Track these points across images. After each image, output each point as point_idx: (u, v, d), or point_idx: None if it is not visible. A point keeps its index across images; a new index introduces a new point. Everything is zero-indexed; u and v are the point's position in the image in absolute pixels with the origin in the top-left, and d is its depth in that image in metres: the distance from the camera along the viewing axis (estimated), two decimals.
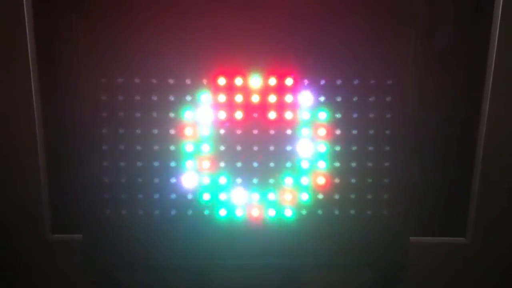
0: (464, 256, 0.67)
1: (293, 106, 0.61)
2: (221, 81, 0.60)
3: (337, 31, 0.60)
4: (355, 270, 0.67)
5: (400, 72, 0.60)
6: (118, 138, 0.61)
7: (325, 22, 0.60)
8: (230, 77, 0.60)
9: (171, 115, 0.60)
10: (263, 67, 0.60)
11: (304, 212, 0.63)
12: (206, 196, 0.63)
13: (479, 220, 0.65)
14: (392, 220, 0.64)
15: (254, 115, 0.61)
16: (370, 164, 0.62)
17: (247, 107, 0.60)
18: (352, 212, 0.63)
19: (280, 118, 0.61)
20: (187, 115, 0.61)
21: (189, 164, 0.62)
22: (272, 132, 0.61)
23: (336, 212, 0.63)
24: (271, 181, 0.62)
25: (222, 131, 0.61)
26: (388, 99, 0.60)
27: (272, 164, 0.62)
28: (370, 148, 0.62)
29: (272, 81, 0.60)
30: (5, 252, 0.65)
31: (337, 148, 0.62)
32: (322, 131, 0.61)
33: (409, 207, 0.63)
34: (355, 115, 0.61)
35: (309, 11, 0.60)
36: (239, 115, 0.61)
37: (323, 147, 0.62)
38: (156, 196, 0.62)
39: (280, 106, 0.60)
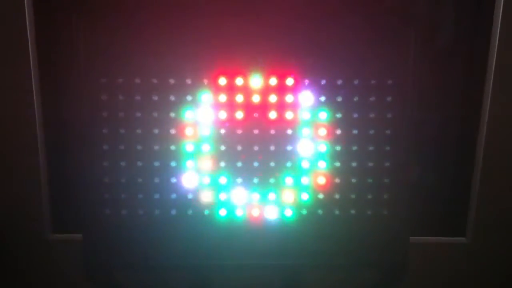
0: (464, 256, 0.67)
1: (294, 106, 0.61)
2: (222, 81, 0.60)
3: (337, 31, 0.60)
4: (355, 270, 0.67)
5: (400, 72, 0.60)
6: (119, 138, 0.61)
7: (326, 22, 0.60)
8: (231, 77, 0.60)
9: (172, 115, 0.60)
10: (264, 67, 0.60)
11: (304, 212, 0.63)
12: (207, 196, 0.62)
13: (479, 220, 0.65)
14: (392, 220, 0.64)
15: (254, 115, 0.61)
16: (370, 164, 0.62)
17: (248, 107, 0.60)
18: (353, 212, 0.63)
19: (281, 118, 0.61)
20: (188, 115, 0.61)
21: (189, 164, 0.62)
22: (272, 132, 0.61)
23: (337, 212, 0.63)
24: (272, 181, 0.62)
25: (222, 131, 0.61)
26: (389, 99, 0.60)
27: (272, 164, 0.62)
28: (371, 148, 0.62)
29: (273, 81, 0.60)
30: (5, 251, 0.65)
31: (338, 148, 0.62)
32: (323, 131, 0.61)
33: (409, 207, 0.63)
34: (355, 115, 0.61)
35: (310, 11, 0.60)
36: (239, 115, 0.61)
37: (323, 147, 0.62)
38: (157, 196, 0.62)
39: (281, 106, 0.60)
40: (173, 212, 0.63)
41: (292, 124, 0.61)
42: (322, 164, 0.62)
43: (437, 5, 0.62)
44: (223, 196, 0.63)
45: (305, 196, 0.63)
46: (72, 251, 0.65)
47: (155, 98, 0.60)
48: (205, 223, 0.63)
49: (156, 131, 0.61)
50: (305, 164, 0.62)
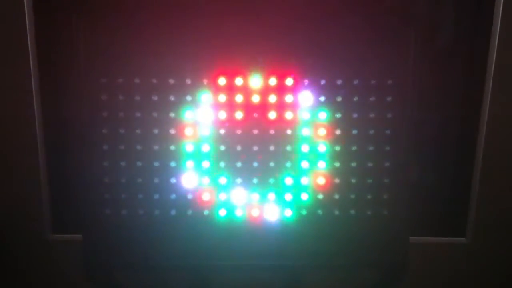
0: (464, 256, 0.67)
1: (293, 106, 0.61)
2: (222, 81, 0.60)
3: (337, 31, 0.60)
4: (355, 270, 0.67)
5: (400, 72, 0.60)
6: (118, 138, 0.61)
7: (326, 22, 0.60)
8: (231, 77, 0.60)
9: (171, 115, 0.60)
10: (264, 67, 0.60)
11: (304, 212, 0.63)
12: (206, 196, 0.63)
13: (479, 220, 0.65)
14: (392, 220, 0.63)
15: (254, 115, 0.61)
16: (370, 164, 0.62)
17: (247, 107, 0.60)
18: (352, 212, 0.63)
19: (280, 118, 0.61)
20: (187, 115, 0.61)
21: (189, 164, 0.62)
22: (272, 132, 0.61)
23: (336, 212, 0.63)
24: (271, 181, 0.62)
25: (222, 131, 0.61)
26: (389, 99, 0.60)
27: (272, 164, 0.62)
28: (370, 148, 0.62)
29: (272, 81, 0.60)
30: (6, 251, 0.65)
31: (337, 148, 0.62)
32: (322, 131, 0.61)
33: (409, 207, 0.63)
34: (355, 115, 0.61)
35: (310, 11, 0.60)
36: (239, 115, 0.61)
37: (323, 147, 0.62)
38: (156, 196, 0.62)
39: (280, 106, 0.60)
40: (173, 212, 0.63)
41: (291, 124, 0.61)
42: (322, 164, 0.62)
43: (437, 5, 0.62)
44: (222, 196, 0.63)
45: (304, 196, 0.63)
46: (72, 251, 0.65)
47: (155, 98, 0.60)
48: (205, 223, 0.63)
49: (156, 131, 0.61)
50: (304, 164, 0.62)
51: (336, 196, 0.63)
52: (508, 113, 0.62)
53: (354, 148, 0.62)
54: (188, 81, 0.60)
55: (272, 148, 0.62)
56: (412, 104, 0.61)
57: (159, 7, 0.60)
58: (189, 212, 0.63)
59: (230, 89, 0.60)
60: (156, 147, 0.61)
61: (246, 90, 0.60)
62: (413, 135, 0.62)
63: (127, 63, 0.59)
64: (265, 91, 0.60)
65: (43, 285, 0.67)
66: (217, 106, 0.60)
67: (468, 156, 0.64)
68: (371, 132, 0.61)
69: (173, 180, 0.62)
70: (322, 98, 0.60)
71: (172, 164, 0.62)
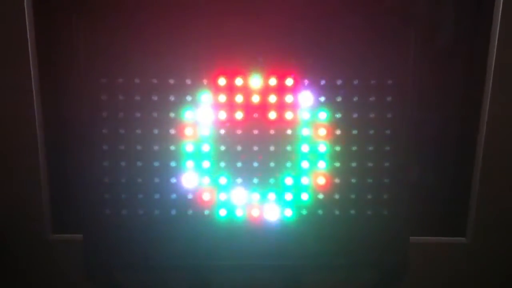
0: (464, 256, 0.67)
1: (293, 106, 0.61)
2: (222, 81, 0.60)
3: (337, 31, 0.60)
4: (355, 270, 0.67)
5: (400, 72, 0.60)
6: (118, 138, 0.61)
7: (326, 22, 0.60)
8: (231, 77, 0.60)
9: (172, 115, 0.60)
10: (263, 67, 0.60)
11: (304, 212, 0.63)
12: (207, 196, 0.63)
13: (479, 220, 0.65)
14: (392, 220, 0.63)
15: (254, 115, 0.61)
16: (370, 164, 0.62)
17: (248, 107, 0.60)
18: (352, 212, 0.63)
19: (281, 118, 0.61)
20: (188, 115, 0.61)
21: (189, 164, 0.62)
22: (272, 132, 0.61)
23: (336, 212, 0.63)
24: (272, 181, 0.62)
25: (222, 131, 0.61)
26: (388, 99, 0.60)
27: (272, 164, 0.62)
28: (370, 148, 0.62)
29: (272, 81, 0.60)
30: (6, 251, 0.65)
31: (337, 148, 0.62)
32: (323, 131, 0.61)
33: (409, 207, 0.63)
34: (355, 115, 0.61)
35: (310, 11, 0.60)
36: (239, 115, 0.61)
37: (323, 147, 0.62)
38: (156, 196, 0.62)
39: (280, 106, 0.60)
40: (173, 212, 0.63)
41: (291, 124, 0.61)
42: (322, 164, 0.62)
43: (437, 5, 0.62)
44: (223, 196, 0.63)
45: (305, 196, 0.63)
46: (72, 251, 0.65)
47: (155, 98, 0.60)
48: (205, 223, 0.63)
49: (156, 131, 0.61)
50: (305, 164, 0.62)
51: (336, 196, 0.63)
52: (508, 113, 0.62)
53: (354, 148, 0.62)
54: (188, 81, 0.60)
55: (272, 148, 0.62)
56: (412, 104, 0.61)
57: (159, 7, 0.60)
58: (190, 212, 0.63)
59: (230, 89, 0.60)
60: (156, 147, 0.61)
61: (246, 90, 0.60)
62: (413, 135, 0.62)
63: (127, 63, 0.59)
64: (265, 91, 0.60)
65: (44, 285, 0.67)
66: (217, 106, 0.60)
67: (468, 156, 0.64)
68: (371, 132, 0.61)
69: (173, 180, 0.62)
70: (322, 98, 0.60)
71: (172, 164, 0.62)
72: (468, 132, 0.64)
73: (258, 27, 0.59)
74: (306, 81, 0.60)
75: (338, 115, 0.61)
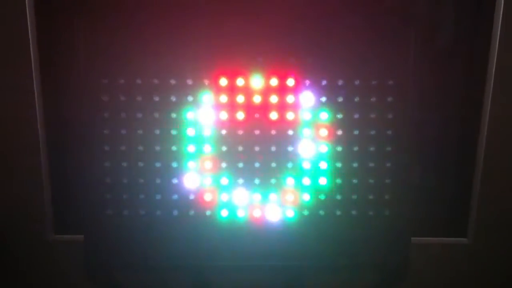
0: (465, 256, 0.67)
1: (295, 107, 0.61)
2: (223, 81, 0.60)
3: (338, 32, 0.60)
4: (357, 271, 0.67)
5: (401, 73, 0.60)
6: (120, 138, 0.61)
7: (327, 23, 0.60)
8: (232, 77, 0.60)
9: (173, 115, 0.61)
10: (265, 67, 0.60)
11: (306, 212, 0.63)
12: (208, 197, 0.63)
13: (481, 220, 0.65)
14: (393, 220, 0.63)
15: (255, 115, 0.61)
16: (371, 165, 0.62)
17: (249, 107, 0.61)
18: (354, 212, 0.63)
19: (282, 119, 0.61)
20: (189, 116, 0.61)
21: (191, 164, 0.62)
22: (273, 132, 0.61)
23: (338, 213, 0.63)
24: (273, 181, 0.62)
25: (223, 132, 0.61)
26: (390, 99, 0.60)
27: (273, 165, 0.62)
28: (372, 149, 0.62)
29: (274, 81, 0.60)
30: (7, 252, 0.65)
31: (339, 149, 0.62)
32: (324, 132, 0.61)
33: (411, 208, 0.63)
34: (356, 116, 0.61)
35: (310, 11, 0.60)
36: (240, 115, 0.61)
37: (324, 148, 0.62)
38: (158, 196, 0.62)
39: (282, 107, 0.61)
40: (175, 212, 0.63)
41: (293, 124, 0.61)
42: (323, 165, 0.62)
43: (437, 5, 0.62)
44: (224, 197, 0.63)
45: (306, 197, 0.63)
46: (73, 252, 0.65)
47: (156, 98, 0.60)
48: (207, 224, 0.63)
49: (157, 131, 0.61)
50: (306, 165, 0.62)
51: (338, 197, 0.63)
52: (509, 113, 0.62)
53: (355, 148, 0.62)
54: (190, 82, 0.60)
55: (273, 148, 0.62)
56: (413, 104, 0.61)
57: (159, 8, 0.60)
58: (191, 212, 0.63)
59: (232, 90, 0.60)
60: (157, 148, 0.61)
61: (247, 91, 0.60)
62: (414, 136, 0.62)
63: (128, 64, 0.59)
64: (266, 91, 0.60)
65: (44, 285, 0.67)
66: (219, 106, 0.61)
67: (469, 156, 0.64)
68: (372, 132, 0.61)
69: (174, 181, 0.62)
70: (323, 99, 0.60)
71: (174, 164, 0.62)
72: (469, 133, 0.64)
73: (258, 27, 0.59)
74: (307, 82, 0.60)
75: (340, 116, 0.61)
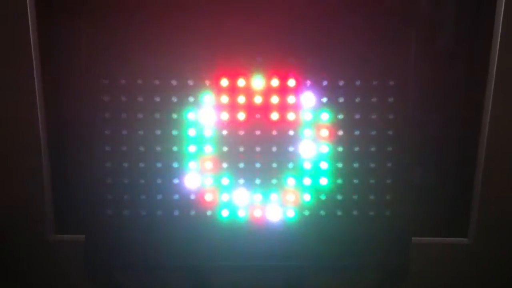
0: (466, 256, 0.67)
1: (296, 107, 0.61)
2: (224, 82, 0.60)
3: (339, 32, 0.60)
4: (357, 271, 0.67)
5: (402, 73, 0.60)
6: (121, 139, 0.61)
7: (327, 23, 0.60)
8: (233, 78, 0.60)
9: (174, 116, 0.61)
10: (266, 68, 0.60)
11: (306, 213, 0.63)
12: (209, 197, 0.63)
13: (482, 220, 0.65)
14: (394, 221, 0.64)
15: (256, 116, 0.61)
16: (372, 165, 0.62)
17: (250, 108, 0.61)
18: (355, 213, 0.63)
19: (283, 119, 0.61)
20: (190, 116, 0.61)
21: (191, 165, 0.62)
22: (274, 133, 0.61)
23: (339, 213, 0.63)
24: (274, 182, 0.63)
25: (224, 132, 0.61)
26: (390, 100, 0.60)
27: (274, 165, 0.62)
28: (373, 149, 0.62)
29: (275, 82, 0.60)
30: (8, 252, 0.65)
31: (340, 149, 0.62)
32: (325, 132, 0.61)
33: (412, 208, 0.63)
34: (357, 116, 0.61)
35: (310, 11, 0.60)
36: (241, 116, 0.61)
37: (325, 148, 0.62)
38: (159, 197, 0.62)
39: (283, 107, 0.61)
40: (176, 213, 0.63)
41: (294, 125, 0.61)
42: (324, 165, 0.62)
43: (438, 5, 0.62)
44: (225, 197, 0.63)
45: (307, 197, 0.63)
46: (74, 252, 0.65)
47: (157, 99, 0.60)
48: (207, 224, 0.63)
49: (158, 132, 0.61)
50: (307, 165, 0.62)
51: (339, 197, 0.63)
52: (510, 113, 0.62)
53: (356, 149, 0.62)
54: (191, 82, 0.60)
55: (274, 149, 0.62)
56: (414, 104, 0.61)
57: (160, 8, 0.60)
58: (192, 212, 0.63)
59: (232, 90, 0.60)
60: (158, 148, 0.61)
61: (248, 91, 0.60)
62: (415, 136, 0.62)
63: (129, 64, 0.60)
64: (267, 92, 0.60)
65: (45, 285, 0.67)
66: (220, 107, 0.61)
67: (470, 156, 0.64)
68: (373, 133, 0.61)
69: (175, 181, 0.62)
70: (324, 99, 0.61)
71: (175, 165, 0.62)
72: (470, 133, 0.64)
73: (259, 27, 0.59)
74: (308, 82, 0.60)
75: (340, 116, 0.61)
